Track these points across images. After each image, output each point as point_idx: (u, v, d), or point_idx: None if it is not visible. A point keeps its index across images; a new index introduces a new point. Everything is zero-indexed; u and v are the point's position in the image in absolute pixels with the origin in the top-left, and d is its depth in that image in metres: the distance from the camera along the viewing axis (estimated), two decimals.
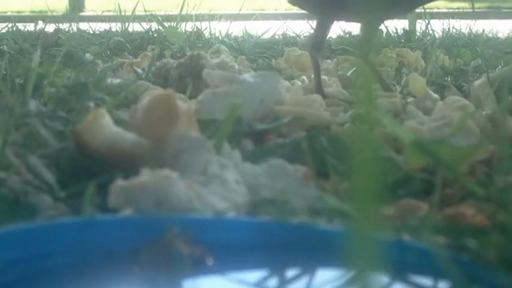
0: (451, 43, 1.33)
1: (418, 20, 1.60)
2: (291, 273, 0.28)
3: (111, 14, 1.92)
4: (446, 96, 0.72)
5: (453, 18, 1.60)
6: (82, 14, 3.18)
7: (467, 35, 1.51)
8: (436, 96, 0.68)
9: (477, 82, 0.72)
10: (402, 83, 0.79)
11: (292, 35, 1.53)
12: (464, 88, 0.77)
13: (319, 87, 0.73)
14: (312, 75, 0.82)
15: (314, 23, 0.80)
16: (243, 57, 1.09)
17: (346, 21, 0.87)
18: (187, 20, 1.58)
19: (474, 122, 0.55)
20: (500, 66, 0.92)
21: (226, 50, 1.12)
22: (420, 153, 0.38)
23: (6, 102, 0.47)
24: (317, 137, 0.45)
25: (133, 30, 1.60)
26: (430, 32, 1.50)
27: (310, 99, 0.61)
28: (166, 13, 1.97)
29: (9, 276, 0.28)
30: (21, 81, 0.66)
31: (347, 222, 0.32)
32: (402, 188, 0.39)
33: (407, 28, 1.51)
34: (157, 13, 1.85)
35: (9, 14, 3.76)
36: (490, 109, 0.63)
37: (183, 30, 1.48)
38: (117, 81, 0.75)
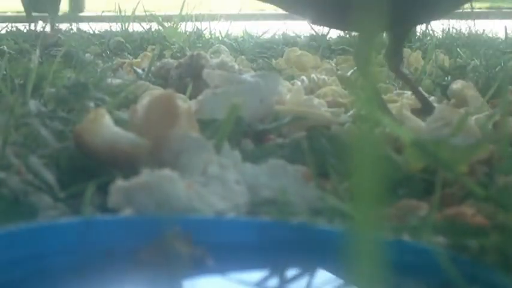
0: (451, 43, 1.33)
1: None
2: (291, 273, 0.28)
3: (111, 14, 1.92)
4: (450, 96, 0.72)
5: (453, 18, 1.60)
6: (82, 14, 3.18)
7: (467, 35, 1.51)
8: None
9: (455, 85, 0.72)
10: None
11: (292, 35, 1.53)
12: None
13: (425, 101, 0.67)
14: (312, 75, 0.82)
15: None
16: (243, 57, 1.09)
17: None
18: (187, 20, 1.58)
19: (474, 122, 0.55)
20: (500, 66, 0.92)
21: (226, 50, 1.12)
22: (420, 153, 0.38)
23: (6, 102, 0.47)
24: (317, 137, 0.45)
25: (133, 30, 1.60)
26: (430, 32, 1.50)
27: (311, 100, 0.61)
28: (166, 13, 1.97)
29: (9, 276, 0.28)
30: (21, 81, 0.66)
31: (347, 222, 0.32)
32: (402, 188, 0.39)
33: None
34: (157, 13, 1.85)
35: (9, 14, 3.76)
36: (479, 110, 0.63)
37: (183, 30, 1.48)
38: (117, 81, 0.75)
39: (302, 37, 1.47)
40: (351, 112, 0.63)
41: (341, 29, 0.89)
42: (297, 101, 0.60)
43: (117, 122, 0.41)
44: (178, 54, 1.14)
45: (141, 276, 0.28)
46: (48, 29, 1.58)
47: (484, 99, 0.67)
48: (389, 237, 0.30)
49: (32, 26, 1.60)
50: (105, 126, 0.40)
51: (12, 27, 1.57)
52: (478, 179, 0.38)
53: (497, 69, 0.89)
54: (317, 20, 0.69)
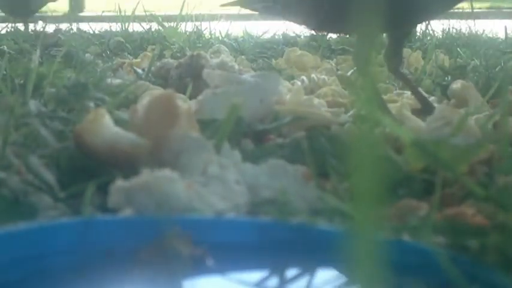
0: (451, 43, 1.33)
1: None
2: (291, 273, 0.28)
3: (111, 14, 1.92)
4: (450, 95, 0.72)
5: (453, 18, 1.60)
6: (82, 14, 3.18)
7: (467, 35, 1.51)
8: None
9: (456, 85, 0.72)
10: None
11: (292, 35, 1.53)
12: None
13: (425, 101, 0.67)
14: (312, 75, 0.82)
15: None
16: (243, 57, 1.09)
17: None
18: (187, 20, 1.59)
19: (474, 122, 0.55)
20: (500, 66, 0.92)
21: (226, 50, 1.12)
22: (420, 153, 0.38)
23: (6, 102, 0.47)
24: (317, 137, 0.45)
25: (133, 30, 1.60)
26: (430, 32, 1.50)
27: (311, 100, 0.61)
28: (166, 13, 1.97)
29: (9, 276, 0.28)
30: (21, 81, 0.66)
31: (347, 222, 0.32)
32: (402, 188, 0.39)
33: None
34: (157, 13, 1.85)
35: None
36: (479, 110, 0.63)
37: (183, 30, 1.48)
38: (117, 81, 0.75)
39: (302, 37, 1.47)
40: (351, 112, 0.63)
41: (342, 34, 0.89)
42: (297, 101, 0.60)
43: (117, 122, 0.41)
44: (178, 54, 1.14)
45: (141, 276, 0.28)
46: (33, 27, 1.57)
47: (484, 99, 0.67)
48: (389, 237, 0.30)
49: (32, 26, 1.60)
50: (105, 126, 0.40)
51: (12, 27, 1.57)
52: (478, 179, 0.38)
53: (497, 69, 0.89)
54: (317, 28, 0.69)
